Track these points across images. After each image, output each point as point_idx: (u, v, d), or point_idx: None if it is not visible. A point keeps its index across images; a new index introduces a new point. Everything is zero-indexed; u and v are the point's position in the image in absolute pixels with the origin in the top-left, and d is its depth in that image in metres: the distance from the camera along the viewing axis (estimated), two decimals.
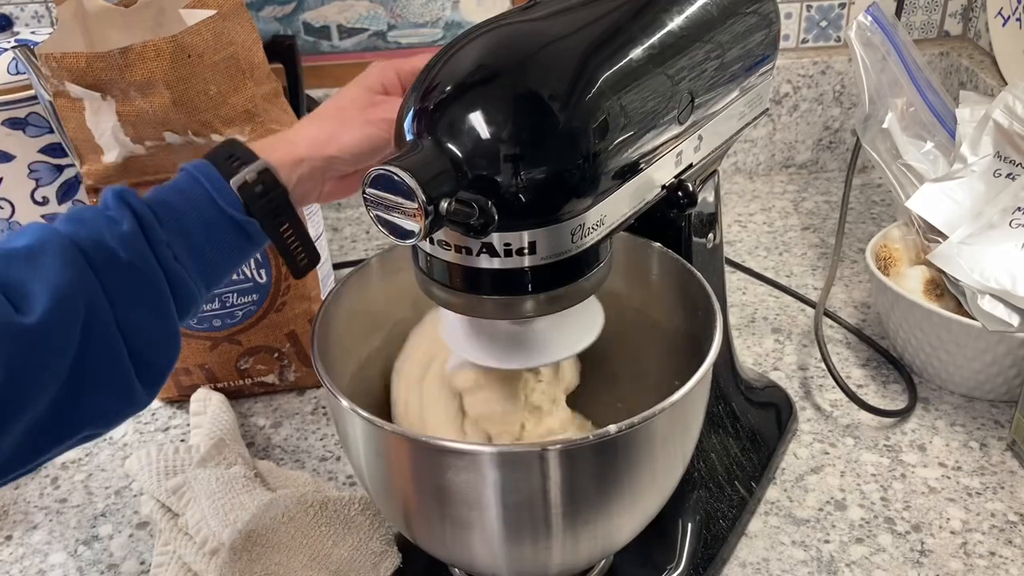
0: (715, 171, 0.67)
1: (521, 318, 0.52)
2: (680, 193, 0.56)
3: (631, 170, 0.51)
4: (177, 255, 0.53)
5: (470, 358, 0.56)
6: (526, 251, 0.47)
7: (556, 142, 0.46)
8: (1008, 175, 0.85)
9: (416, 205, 0.43)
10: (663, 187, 0.56)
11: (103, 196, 0.53)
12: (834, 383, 0.80)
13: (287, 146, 0.58)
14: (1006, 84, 1.05)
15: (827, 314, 0.93)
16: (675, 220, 0.64)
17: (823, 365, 0.82)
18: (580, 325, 0.57)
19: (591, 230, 0.49)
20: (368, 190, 0.45)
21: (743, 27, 0.60)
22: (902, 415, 0.80)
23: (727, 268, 0.93)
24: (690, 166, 0.58)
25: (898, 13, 1.12)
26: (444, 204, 0.44)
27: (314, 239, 0.82)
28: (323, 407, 0.86)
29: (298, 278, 0.61)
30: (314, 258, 0.60)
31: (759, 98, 0.66)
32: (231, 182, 0.55)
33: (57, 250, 0.49)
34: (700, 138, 0.58)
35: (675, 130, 0.54)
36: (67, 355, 0.49)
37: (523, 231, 0.47)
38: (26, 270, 0.49)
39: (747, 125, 0.65)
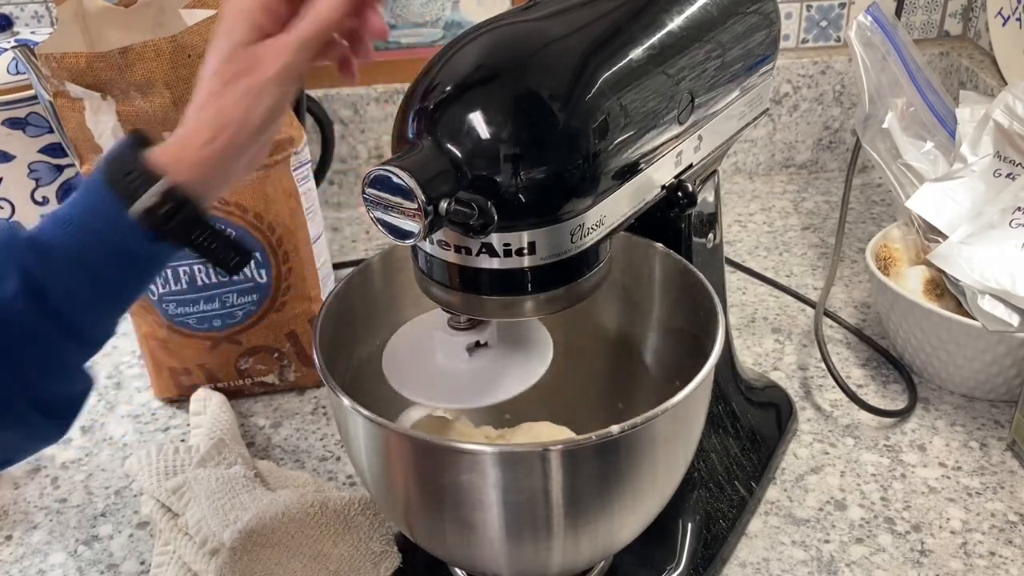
0: (715, 171, 0.67)
1: (520, 318, 0.52)
2: (680, 193, 0.56)
3: (631, 170, 0.51)
4: (76, 304, 0.49)
5: (414, 399, 0.56)
6: (526, 251, 0.47)
7: (556, 142, 0.46)
8: (1008, 175, 0.84)
9: (415, 205, 0.43)
10: (663, 187, 0.56)
11: None
12: (834, 383, 0.80)
13: (181, 147, 0.50)
14: (1006, 84, 1.05)
15: (827, 314, 0.93)
16: (675, 220, 0.64)
17: (823, 365, 0.82)
18: (527, 360, 0.56)
19: (591, 230, 0.49)
20: (368, 190, 0.45)
21: (743, 27, 0.60)
22: (902, 415, 0.80)
23: (727, 268, 0.93)
24: (690, 166, 0.58)
25: (898, 13, 1.12)
26: (444, 204, 0.44)
27: (314, 239, 0.83)
28: (323, 407, 0.86)
29: (233, 275, 0.55)
30: (245, 254, 0.54)
31: (759, 98, 0.66)
32: (131, 211, 0.48)
33: None
34: (700, 138, 0.58)
35: (675, 130, 0.54)
36: None
37: (523, 231, 0.47)
38: None
39: (747, 125, 0.65)
